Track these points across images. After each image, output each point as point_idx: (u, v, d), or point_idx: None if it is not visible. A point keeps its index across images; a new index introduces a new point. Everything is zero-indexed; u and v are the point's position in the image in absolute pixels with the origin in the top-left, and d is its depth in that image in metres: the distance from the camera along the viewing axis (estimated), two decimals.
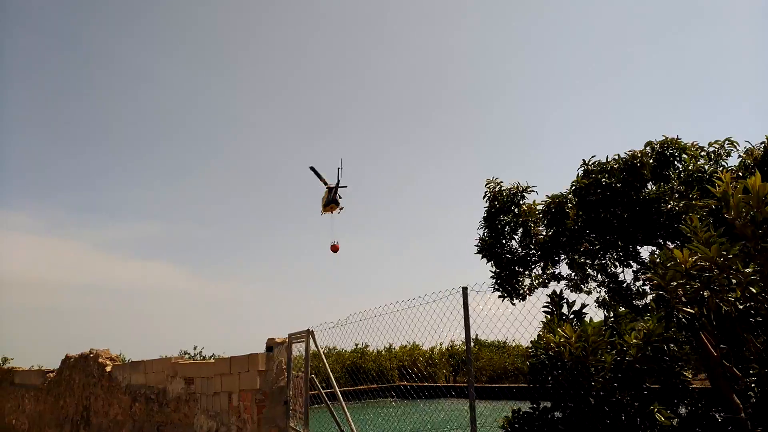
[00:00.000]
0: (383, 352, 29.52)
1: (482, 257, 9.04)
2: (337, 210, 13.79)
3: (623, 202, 7.40)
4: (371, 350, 29.62)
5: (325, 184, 13.89)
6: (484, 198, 9.39)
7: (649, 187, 7.54)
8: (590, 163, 7.74)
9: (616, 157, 7.57)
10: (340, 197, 13.14)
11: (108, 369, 13.08)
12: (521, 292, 8.47)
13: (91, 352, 14.14)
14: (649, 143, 7.65)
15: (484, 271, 9.22)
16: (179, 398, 10.23)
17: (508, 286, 8.46)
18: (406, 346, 30.39)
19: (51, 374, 16.83)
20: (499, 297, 8.64)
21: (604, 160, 7.65)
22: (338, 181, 12.67)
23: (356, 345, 26.95)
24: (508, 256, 8.70)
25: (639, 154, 7.40)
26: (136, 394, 11.66)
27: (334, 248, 14.21)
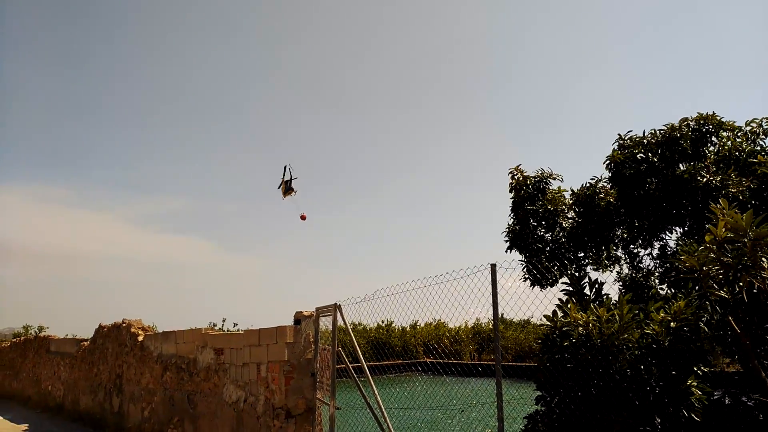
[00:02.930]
0: (408, 329, 29.72)
1: (510, 248, 9.00)
2: (293, 194, 18.09)
3: (658, 179, 7.27)
4: (396, 326, 29.87)
5: (283, 179, 17.96)
6: (510, 190, 9.32)
7: (682, 167, 7.38)
8: (626, 138, 7.59)
9: (653, 131, 7.41)
10: (295, 188, 17.78)
11: (140, 339, 13.42)
12: (551, 279, 8.40)
13: (123, 322, 14.51)
14: (684, 120, 7.48)
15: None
16: (209, 368, 10.46)
17: (539, 275, 8.39)
18: (431, 323, 30.55)
19: (85, 343, 17.34)
20: (530, 286, 8.58)
21: (641, 135, 7.49)
22: (291, 176, 17.51)
23: (381, 321, 27.22)
24: (538, 245, 8.63)
25: (678, 127, 7.22)
26: (167, 363, 11.96)
27: (303, 217, 18.21)
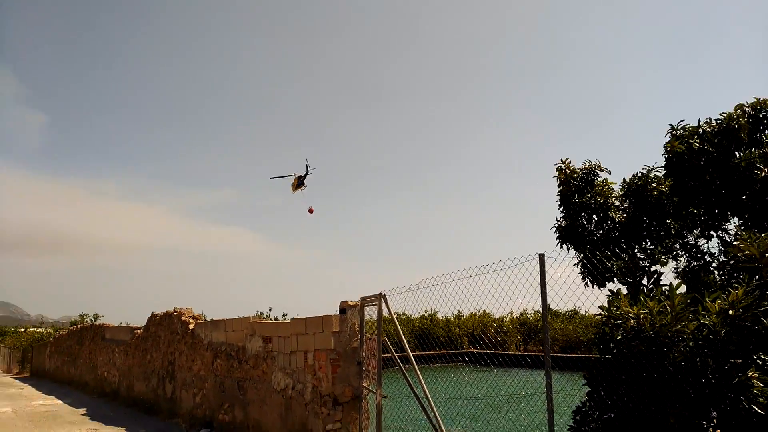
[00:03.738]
0: (452, 319, 29.61)
1: (562, 243, 8.83)
2: (303, 189, 18.92)
3: (716, 169, 7.01)
4: (440, 317, 29.79)
5: (299, 175, 18.85)
6: (558, 184, 9.14)
7: (738, 155, 7.10)
8: (678, 128, 7.34)
9: (708, 120, 7.15)
10: (305, 184, 18.56)
11: (191, 327, 13.80)
12: (608, 276, 8.21)
13: (175, 311, 14.94)
14: (739, 106, 7.19)
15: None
16: (257, 356, 10.68)
17: (596, 272, 8.19)
18: (475, 313, 30.36)
19: (138, 330, 17.93)
20: (587, 285, 8.41)
21: (695, 124, 7.23)
22: (307, 171, 18.32)
23: (425, 311, 27.19)
24: (591, 240, 8.44)
25: (735, 116, 6.95)
26: (217, 350, 12.27)
27: (310, 211, 19.23)
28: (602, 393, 5.76)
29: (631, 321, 5.33)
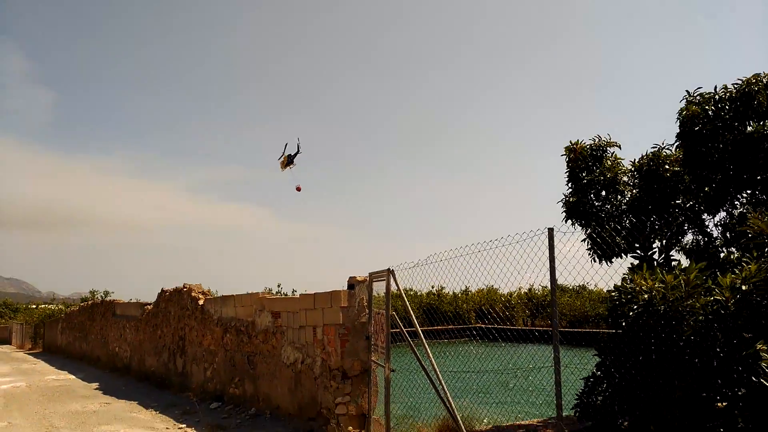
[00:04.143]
0: (460, 295, 29.77)
1: (568, 218, 8.80)
2: (292, 167, 19.01)
3: (730, 137, 6.92)
4: (447, 292, 29.97)
5: (288, 153, 18.86)
6: (566, 160, 9.06)
7: (753, 125, 7.02)
8: (695, 94, 7.24)
9: (725, 87, 7.04)
10: (295, 163, 18.64)
11: (201, 302, 13.93)
12: (617, 251, 8.19)
13: (184, 287, 15.06)
14: (755, 76, 7.07)
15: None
16: (267, 330, 10.79)
17: (605, 246, 8.16)
18: (483, 289, 30.48)
19: (148, 306, 18.12)
20: (594, 260, 8.40)
21: (712, 91, 7.12)
22: (298, 150, 18.42)
23: (432, 287, 27.38)
24: (599, 216, 8.40)
25: (753, 81, 6.83)
26: (227, 326, 12.39)
27: (298, 189, 19.32)
28: (609, 365, 5.79)
29: (644, 295, 5.33)
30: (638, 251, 7.72)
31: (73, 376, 18.83)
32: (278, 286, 31.99)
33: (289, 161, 21.01)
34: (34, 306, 63.35)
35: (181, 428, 9.79)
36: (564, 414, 6.30)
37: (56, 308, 41.56)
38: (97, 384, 16.49)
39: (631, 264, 6.40)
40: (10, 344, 48.00)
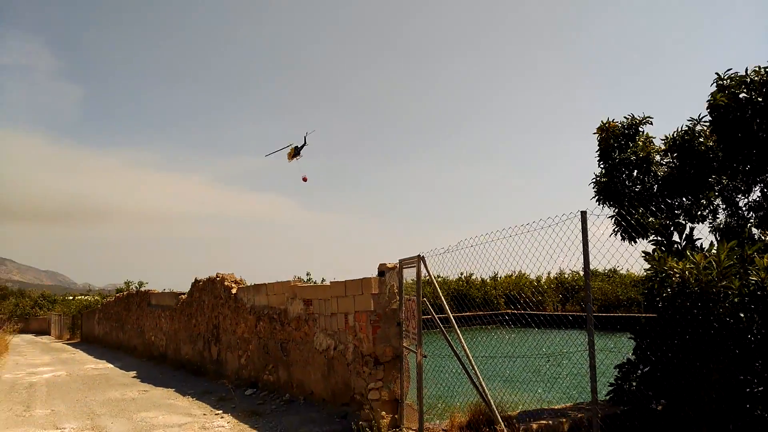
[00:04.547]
0: (488, 281, 29.68)
1: (599, 199, 8.72)
2: (298, 159, 20.89)
3: (763, 120, 6.79)
4: (476, 278, 29.90)
5: (295, 146, 20.96)
6: (598, 140, 8.96)
7: None
8: (725, 77, 7.09)
9: (757, 69, 6.88)
10: (301, 155, 20.65)
11: (233, 291, 14.17)
12: (643, 232, 8.11)
13: (217, 276, 15.34)
14: None
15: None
16: (299, 318, 10.95)
17: (630, 229, 8.08)
18: (511, 275, 30.35)
19: (183, 296, 18.50)
20: (622, 240, 8.33)
21: (743, 73, 6.96)
22: (305, 143, 20.20)
23: (461, 273, 27.32)
24: (630, 195, 8.31)
25: None
26: (259, 314, 12.60)
27: (304, 179, 21.26)
28: (645, 348, 5.77)
29: (677, 277, 5.30)
30: (665, 232, 7.64)
31: (111, 365, 19.36)
32: (307, 274, 32.28)
33: (296, 153, 22.10)
34: (70, 297, 65.11)
35: (217, 414, 10.02)
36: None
37: (92, 299, 42.66)
38: (134, 372, 16.93)
39: (655, 246, 6.31)
40: (49, 335, 49.46)
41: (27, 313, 61.56)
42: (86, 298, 48.81)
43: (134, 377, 15.81)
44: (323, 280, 31.86)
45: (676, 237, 7.04)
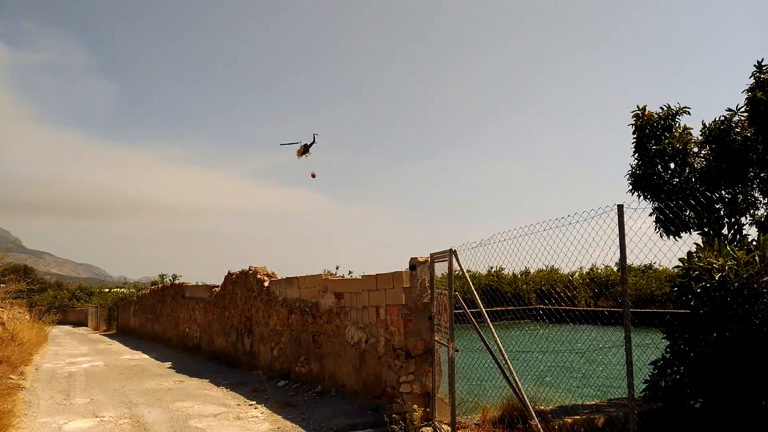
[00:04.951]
0: (519, 276, 29.47)
1: (634, 190, 8.58)
2: (307, 155, 22.53)
3: None
4: (507, 273, 29.71)
5: (305, 143, 22.57)
6: (633, 131, 8.83)
7: None
8: (763, 65, 6.91)
9: None
10: (310, 152, 22.36)
11: (266, 284, 14.36)
12: (682, 225, 7.95)
13: (250, 269, 15.55)
14: None
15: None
16: (331, 311, 11.05)
17: (669, 223, 7.94)
18: (543, 270, 30.10)
19: (216, 289, 18.80)
20: (661, 235, 8.20)
21: None
22: (314, 141, 22.01)
23: (491, 268, 27.25)
24: (666, 188, 8.17)
25: None
26: (291, 306, 12.75)
27: (313, 175, 22.90)
28: (683, 346, 5.68)
29: (716, 273, 5.20)
30: (706, 227, 7.49)
31: (147, 356, 19.80)
32: (336, 268, 32.53)
33: (305, 150, 23.42)
34: (106, 290, 66.71)
35: (251, 405, 10.19)
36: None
37: (128, 291, 43.58)
38: (169, 363, 17.29)
39: (700, 239, 6.18)
40: (86, 326, 50.80)
41: (65, 305, 63.32)
42: (122, 290, 49.90)
43: (169, 368, 16.14)
44: (350, 273, 32.06)
45: (725, 231, 6.91)
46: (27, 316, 26.18)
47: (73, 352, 22.02)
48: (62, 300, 66.08)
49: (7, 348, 15.09)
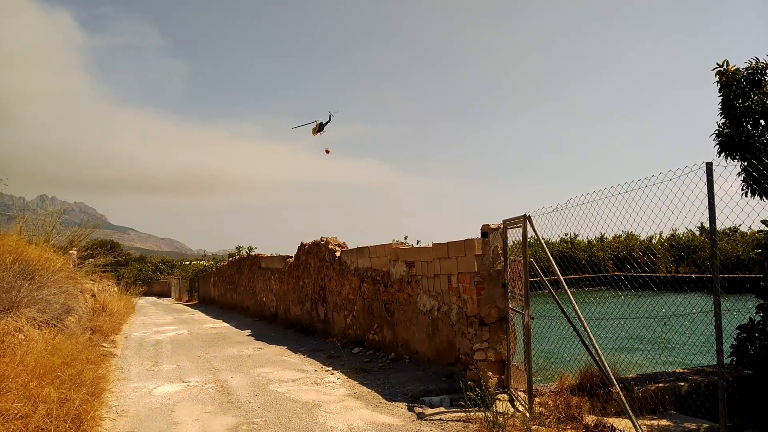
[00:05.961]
0: (594, 242, 28.58)
1: (722, 152, 8.07)
2: (322, 134, 23.20)
3: None
4: (581, 239, 28.87)
5: (320, 122, 23.26)
6: (718, 89, 8.26)
7: None
8: None
9: None
10: (325, 130, 22.98)
11: (338, 254, 14.59)
12: None
13: (322, 240, 15.83)
14: None
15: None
16: (402, 280, 11.10)
17: (762, 180, 7.43)
18: (620, 236, 29.06)
19: (290, 259, 19.30)
20: (752, 195, 7.70)
21: None
22: (330, 120, 22.36)
23: (565, 234, 26.53)
24: (758, 147, 7.63)
25: None
26: (363, 276, 12.91)
27: (327, 151, 24.15)
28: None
29: None
30: None
31: (227, 325, 20.65)
32: (405, 238, 32.67)
33: (320, 128, 23.97)
34: (187, 262, 69.91)
35: (328, 370, 10.46)
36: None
37: (207, 264, 45.50)
38: (249, 331, 17.97)
39: None
40: (170, 297, 53.53)
41: (149, 277, 66.90)
42: (201, 262, 52.18)
43: (249, 335, 16.78)
44: (418, 242, 32.09)
45: None
46: (115, 289, 27.75)
47: (159, 321, 23.22)
48: (147, 273, 69.85)
49: (99, 318, 16.07)
